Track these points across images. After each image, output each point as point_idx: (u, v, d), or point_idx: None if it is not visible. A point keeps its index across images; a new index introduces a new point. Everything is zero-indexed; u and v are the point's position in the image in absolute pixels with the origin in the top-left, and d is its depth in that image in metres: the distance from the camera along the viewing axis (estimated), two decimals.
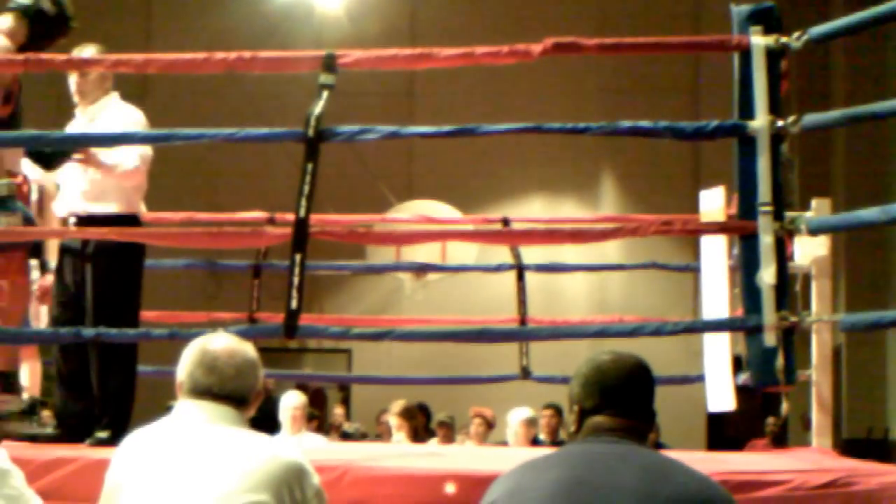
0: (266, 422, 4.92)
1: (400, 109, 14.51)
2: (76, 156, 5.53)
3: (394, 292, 14.14)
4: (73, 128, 5.83)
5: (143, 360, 7.94)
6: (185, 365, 3.21)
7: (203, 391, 3.16)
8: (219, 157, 14.19)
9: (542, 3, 15.15)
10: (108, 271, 5.53)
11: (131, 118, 5.74)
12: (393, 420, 9.24)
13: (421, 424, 10.80)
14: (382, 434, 11.75)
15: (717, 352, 6.01)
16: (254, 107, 13.28)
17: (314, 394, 13.68)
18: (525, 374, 7.48)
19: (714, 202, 6.23)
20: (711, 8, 14.09)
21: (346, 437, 12.24)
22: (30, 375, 6.56)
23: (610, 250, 13.04)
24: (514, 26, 13.84)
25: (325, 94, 4.88)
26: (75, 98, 5.79)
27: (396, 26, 15.24)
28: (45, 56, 5.22)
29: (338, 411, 13.36)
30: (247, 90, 13.55)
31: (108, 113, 5.76)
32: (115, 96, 5.81)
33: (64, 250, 5.69)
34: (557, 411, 10.18)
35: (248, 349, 3.25)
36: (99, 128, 5.66)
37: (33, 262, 6.59)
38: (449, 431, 10.75)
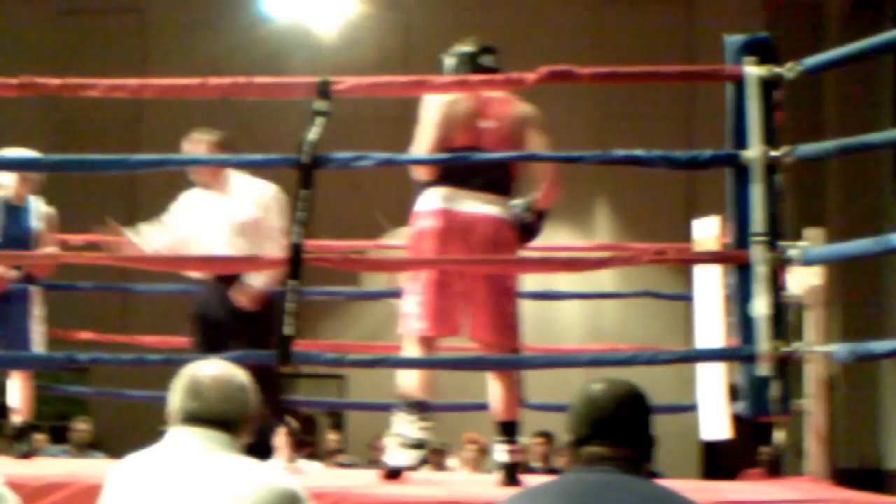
0: (259, 448, 4.94)
1: (395, 134, 14.49)
2: None
3: (388, 318, 14.11)
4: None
5: (139, 386, 7.96)
6: (175, 392, 3.22)
7: (192, 417, 3.17)
8: None
9: (536, 30, 15.16)
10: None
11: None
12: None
13: None
14: (377, 460, 11.70)
15: (711, 380, 6.01)
16: (248, 132, 13.27)
17: (305, 419, 13.62)
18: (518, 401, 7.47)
19: (708, 231, 6.23)
20: (705, 35, 14.13)
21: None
22: (21, 397, 6.57)
23: (604, 278, 13.02)
24: (508, 52, 13.83)
25: (320, 120, 4.89)
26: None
27: (391, 51, 15.25)
28: (39, 80, 5.21)
29: (332, 437, 13.31)
30: (242, 115, 13.56)
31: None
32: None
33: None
34: (549, 439, 10.18)
35: (238, 374, 3.25)
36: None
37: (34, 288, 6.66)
38: (441, 458, 10.73)
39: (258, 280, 6.13)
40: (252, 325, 6.10)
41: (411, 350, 5.24)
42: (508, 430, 5.24)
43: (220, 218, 6.25)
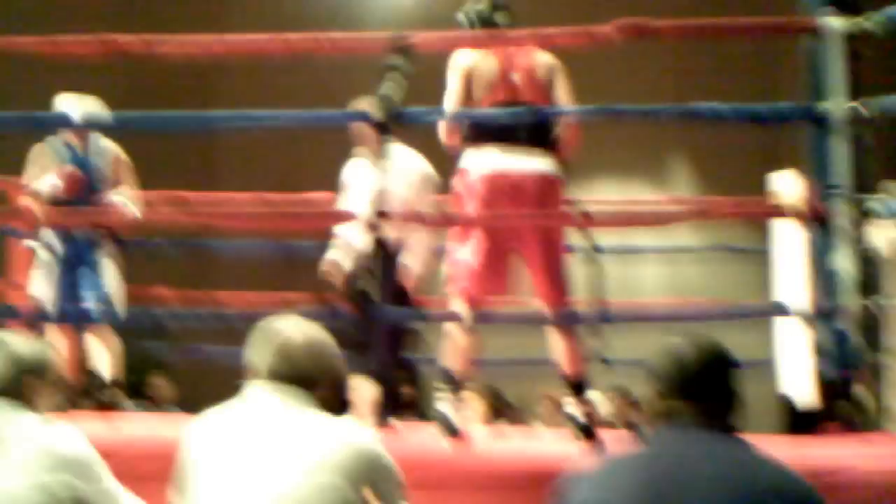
0: (343, 407, 4.95)
1: None
2: None
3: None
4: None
5: (216, 342, 8.01)
6: (256, 347, 3.21)
7: (273, 374, 3.15)
8: (289, 142, 14.23)
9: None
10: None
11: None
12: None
13: (493, 406, 10.79)
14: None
15: (792, 337, 5.96)
16: (325, 90, 13.28)
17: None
18: (597, 357, 7.45)
19: (786, 185, 6.18)
20: None
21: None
22: (107, 353, 6.48)
23: (681, 233, 12.94)
24: (587, 12, 13.72)
25: (396, 76, 4.87)
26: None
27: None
28: (119, 38, 5.24)
29: (407, 391, 13.33)
30: (318, 74, 13.55)
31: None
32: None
33: None
34: (626, 395, 10.14)
35: (318, 331, 3.23)
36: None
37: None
38: (518, 414, 10.74)
39: (416, 262, 6.15)
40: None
41: (458, 310, 5.17)
42: (577, 386, 5.19)
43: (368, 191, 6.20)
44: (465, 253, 5.14)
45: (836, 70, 4.75)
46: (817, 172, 4.79)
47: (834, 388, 4.97)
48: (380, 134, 4.73)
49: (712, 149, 14.82)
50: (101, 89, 6.09)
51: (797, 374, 5.91)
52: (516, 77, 5.19)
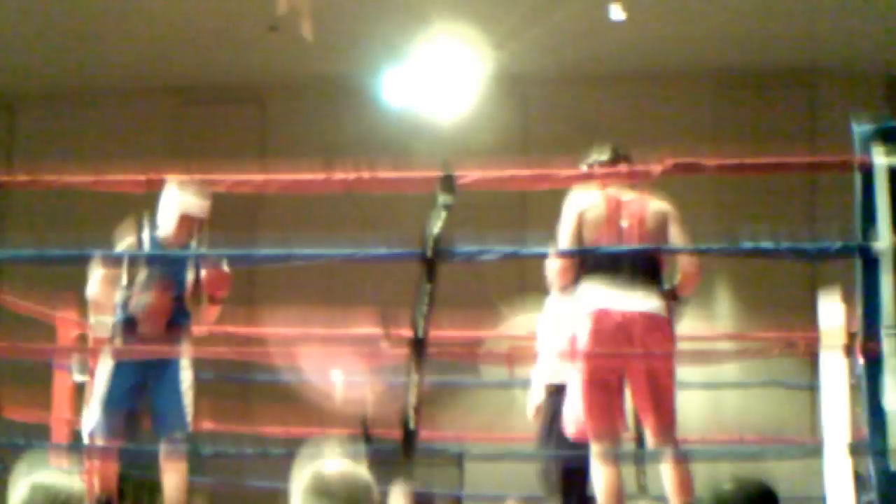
0: None
1: (513, 219, 14.47)
2: None
3: (508, 404, 14.04)
4: None
5: (259, 474, 7.98)
6: (300, 488, 3.22)
7: None
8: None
9: (654, 113, 15.12)
10: None
11: None
12: None
13: None
14: None
15: (839, 472, 5.89)
16: (370, 222, 13.35)
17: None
18: (642, 490, 7.41)
19: (834, 318, 6.13)
20: (827, 119, 13.99)
21: None
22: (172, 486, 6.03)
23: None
24: (624, 137, 13.78)
25: (443, 213, 4.90)
26: None
27: (510, 135, 15.25)
28: (166, 176, 5.30)
29: None
30: (364, 204, 13.62)
31: None
32: None
33: None
34: None
35: (361, 473, 3.25)
36: None
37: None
38: None
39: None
40: None
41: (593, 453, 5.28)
42: None
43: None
44: (574, 395, 5.25)
45: (884, 205, 4.73)
46: (865, 308, 4.75)
47: None
48: (427, 270, 4.73)
49: (757, 275, 14.79)
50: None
51: None
52: (625, 223, 5.34)
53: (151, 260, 6.11)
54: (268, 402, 13.56)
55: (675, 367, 5.57)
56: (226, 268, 6.07)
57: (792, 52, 14.68)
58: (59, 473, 3.69)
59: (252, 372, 10.64)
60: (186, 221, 6.10)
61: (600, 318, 5.28)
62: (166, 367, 6.13)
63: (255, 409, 13.63)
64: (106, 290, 6.14)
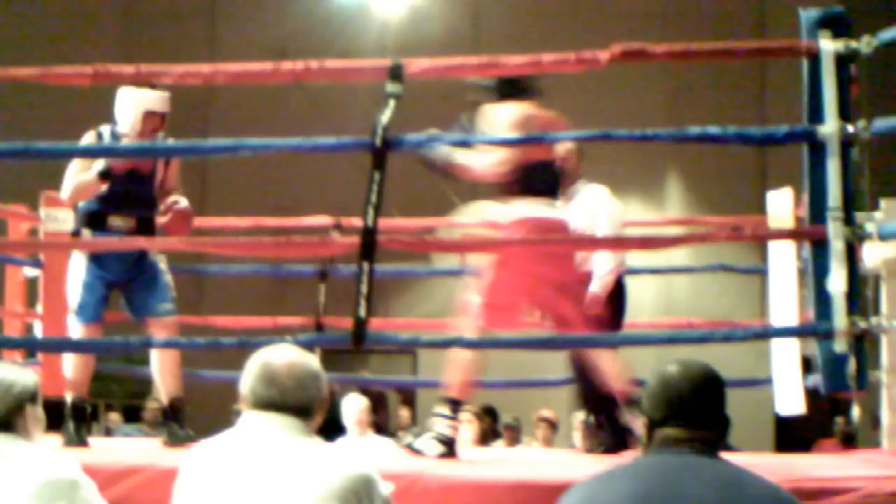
0: (330, 425, 4.90)
1: (461, 110, 14.44)
2: None
3: (461, 293, 14.11)
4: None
5: (211, 366, 8.03)
6: (248, 378, 3.25)
7: (266, 404, 3.20)
8: (284, 158, 14.25)
9: (605, 6, 15.08)
10: None
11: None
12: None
13: (488, 427, 10.80)
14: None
15: (786, 355, 5.98)
16: (320, 114, 13.31)
17: (376, 396, 13.68)
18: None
19: (782, 205, 6.19)
20: (776, 8, 14.00)
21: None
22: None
23: (675, 251, 12.96)
24: (577, 29, 13.80)
25: (392, 103, 4.89)
26: None
27: (459, 30, 15.21)
28: (112, 67, 5.25)
29: (403, 413, 13.35)
30: (313, 96, 13.58)
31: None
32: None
33: None
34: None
35: (310, 361, 3.28)
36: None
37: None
38: (515, 434, 10.75)
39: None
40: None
41: (467, 335, 5.28)
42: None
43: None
44: (484, 287, 5.36)
45: (830, 91, 4.76)
46: (812, 193, 4.80)
47: (830, 407, 5.00)
48: (376, 159, 4.73)
49: (706, 164, 14.87)
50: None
51: (793, 393, 5.92)
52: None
53: (120, 155, 5.89)
54: (219, 293, 13.66)
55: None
56: (185, 203, 5.95)
57: None
58: (10, 366, 3.70)
59: (203, 262, 10.66)
60: (150, 117, 5.92)
61: (533, 225, 5.35)
62: (143, 260, 6.00)
63: (206, 300, 13.72)
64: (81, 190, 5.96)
